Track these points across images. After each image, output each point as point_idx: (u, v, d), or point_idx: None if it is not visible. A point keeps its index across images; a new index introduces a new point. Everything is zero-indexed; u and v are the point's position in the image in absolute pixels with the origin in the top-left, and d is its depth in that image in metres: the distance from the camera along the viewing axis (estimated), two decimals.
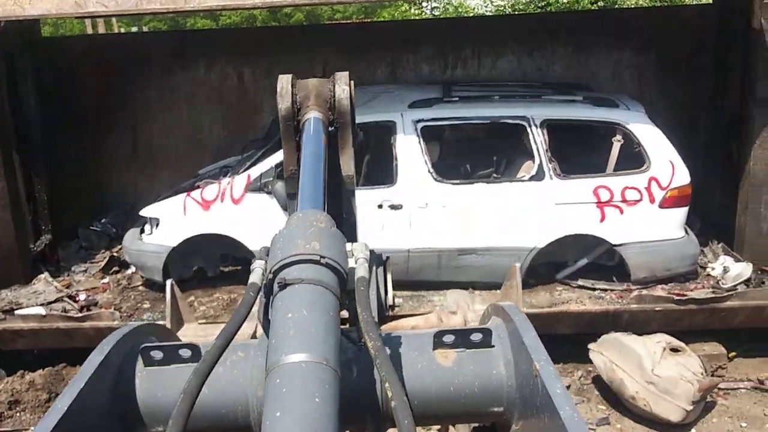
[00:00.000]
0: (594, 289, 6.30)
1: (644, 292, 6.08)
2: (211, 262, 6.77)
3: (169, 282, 2.39)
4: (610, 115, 6.20)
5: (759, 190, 6.39)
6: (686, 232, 6.26)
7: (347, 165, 1.88)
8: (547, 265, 6.48)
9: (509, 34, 7.92)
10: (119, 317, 6.06)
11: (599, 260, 6.41)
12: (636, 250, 6.12)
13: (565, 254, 6.42)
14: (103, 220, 7.75)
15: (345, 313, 1.28)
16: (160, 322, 2.21)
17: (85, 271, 7.08)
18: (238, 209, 6.20)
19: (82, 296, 6.50)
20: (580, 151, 6.37)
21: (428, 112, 6.28)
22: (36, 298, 6.37)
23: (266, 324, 1.17)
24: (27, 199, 7.08)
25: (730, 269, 6.33)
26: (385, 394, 1.13)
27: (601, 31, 7.83)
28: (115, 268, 7.18)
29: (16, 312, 6.12)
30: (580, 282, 6.35)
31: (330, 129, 1.86)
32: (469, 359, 1.32)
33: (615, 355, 5.63)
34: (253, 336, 2.08)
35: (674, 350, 5.56)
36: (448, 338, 1.32)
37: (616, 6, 14.40)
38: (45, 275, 6.73)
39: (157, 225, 6.42)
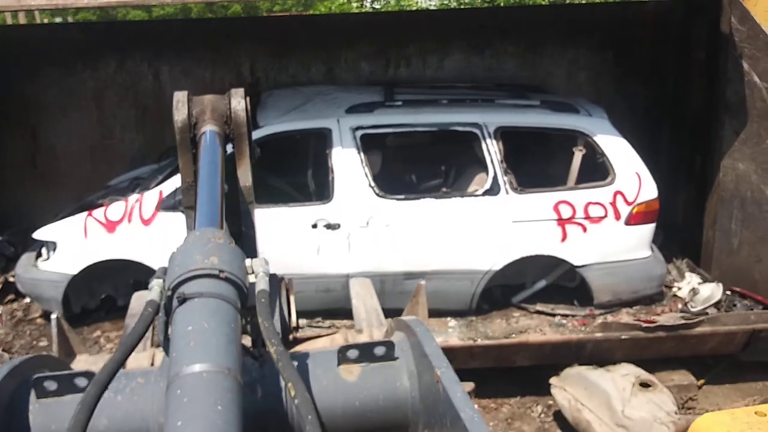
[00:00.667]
0: (554, 315, 5.73)
1: (609, 318, 5.60)
2: (122, 289, 5.90)
3: (53, 316, 2.37)
4: (570, 122, 5.62)
5: (729, 202, 5.95)
6: (652, 250, 5.75)
7: (245, 176, 1.91)
8: (503, 288, 5.88)
9: (456, 30, 7.29)
10: (8, 360, 5.17)
11: (559, 282, 5.85)
12: (600, 272, 5.58)
13: (522, 276, 5.84)
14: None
15: (247, 341, 1.29)
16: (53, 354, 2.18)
17: None
18: (148, 231, 5.37)
19: None
20: (539, 162, 5.81)
21: (368, 118, 5.57)
22: None
23: (165, 342, 1.18)
24: None
25: (699, 291, 5.86)
26: (292, 410, 1.17)
27: (555, 27, 7.29)
28: (11, 296, 6.24)
29: None
30: (539, 307, 5.79)
31: (227, 142, 1.88)
32: (373, 373, 1.35)
33: (580, 392, 5.10)
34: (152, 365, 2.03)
35: (644, 385, 5.08)
36: (352, 353, 1.35)
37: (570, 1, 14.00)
38: None
39: (55, 249, 5.55)
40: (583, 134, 5.51)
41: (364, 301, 2.61)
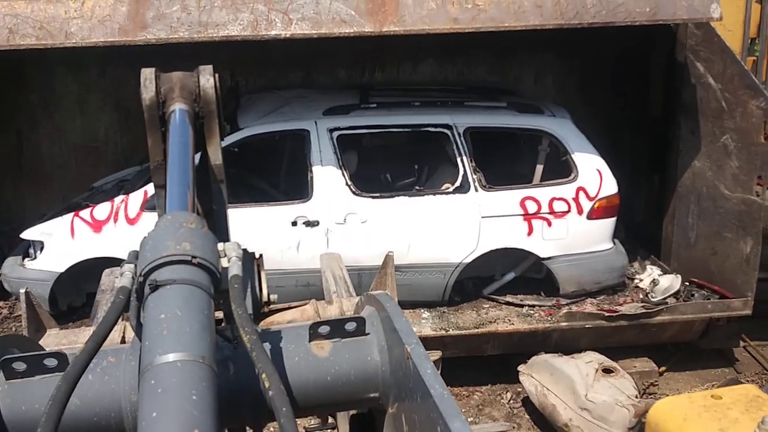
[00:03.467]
0: (522, 306, 6.00)
1: (574, 308, 5.87)
2: None
3: (22, 291, 2.33)
4: (535, 123, 5.92)
5: (686, 198, 6.25)
6: (614, 243, 6.05)
7: (215, 155, 1.88)
8: (474, 281, 6.15)
9: (429, 38, 7.54)
10: None
11: (527, 274, 6.13)
12: (564, 264, 5.86)
13: (492, 269, 6.10)
14: None
15: (220, 314, 1.34)
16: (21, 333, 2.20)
17: None
18: (134, 230, 5.57)
19: None
20: (506, 160, 6.10)
21: (344, 120, 5.83)
22: None
23: (138, 328, 1.15)
24: None
25: (659, 282, 6.16)
26: (263, 390, 1.09)
27: (523, 36, 7.55)
28: None
29: None
30: (509, 298, 6.05)
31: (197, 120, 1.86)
32: (344, 348, 1.36)
33: (546, 378, 5.37)
34: (122, 341, 1.98)
35: (607, 371, 5.34)
36: (324, 329, 1.36)
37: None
38: None
39: (42, 249, 5.72)
40: (547, 134, 5.82)
41: (333, 272, 2.71)
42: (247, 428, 1.50)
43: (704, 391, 4.62)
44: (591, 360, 5.43)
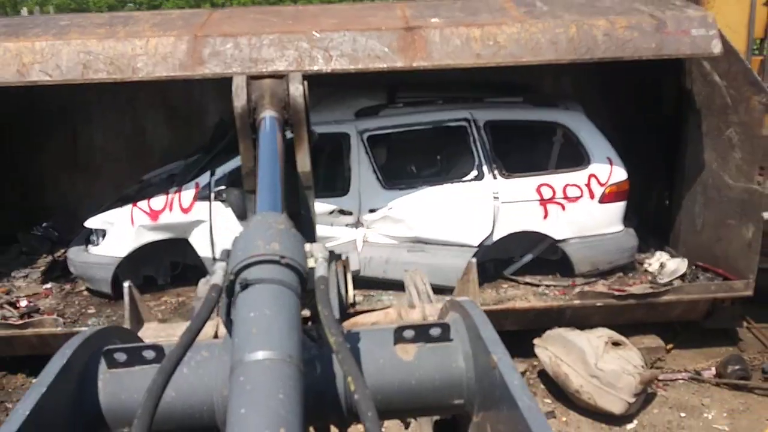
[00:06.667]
0: (539, 286, 6.45)
1: (586, 288, 6.26)
2: (162, 270, 6.70)
3: (126, 284, 2.53)
4: (549, 115, 6.40)
5: (693, 188, 6.65)
6: (624, 225, 6.48)
7: (303, 162, 1.92)
8: (495, 262, 6.61)
9: None
10: (63, 323, 5.93)
11: (543, 255, 6.58)
12: (578, 245, 6.31)
13: (511, 251, 6.56)
14: (44, 225, 7.56)
15: (306, 312, 1.31)
16: (125, 326, 2.28)
17: (26, 276, 6.89)
18: (187, 218, 6.18)
19: (23, 302, 6.32)
20: (523, 150, 6.52)
21: (375, 121, 6.37)
22: None
23: (229, 324, 1.18)
24: None
25: (666, 265, 6.57)
26: (348, 390, 1.14)
27: None
28: (57, 274, 7.01)
29: None
30: (527, 279, 6.50)
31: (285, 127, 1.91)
32: (429, 353, 1.34)
33: (559, 350, 5.79)
34: (215, 336, 2.08)
35: (616, 344, 5.74)
36: (408, 333, 1.34)
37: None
38: None
39: (104, 236, 6.31)
40: (561, 125, 6.30)
41: (417, 287, 2.78)
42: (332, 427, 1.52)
43: None
44: (602, 334, 5.83)
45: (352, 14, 6.32)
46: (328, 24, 5.82)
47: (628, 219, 6.54)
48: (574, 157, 6.30)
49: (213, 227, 6.17)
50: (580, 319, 6.16)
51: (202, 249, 6.23)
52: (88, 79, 5.52)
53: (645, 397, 5.74)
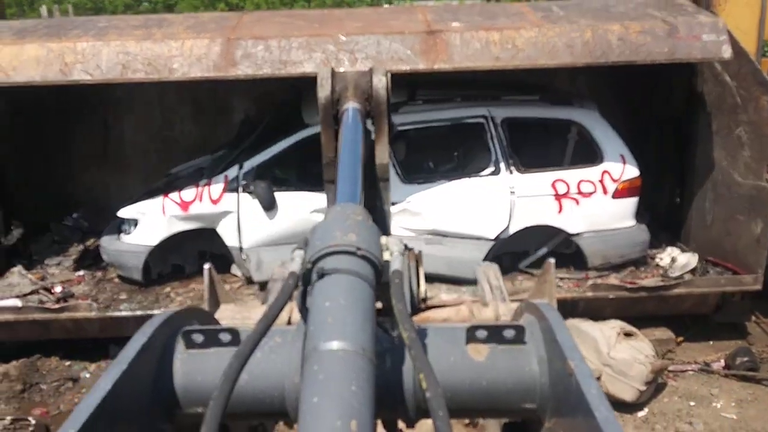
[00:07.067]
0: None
1: (599, 281, 6.44)
2: (190, 258, 6.96)
3: (206, 266, 2.51)
4: (565, 113, 6.60)
5: (704, 185, 6.83)
6: (636, 220, 6.67)
7: (382, 154, 1.94)
8: (510, 255, 6.83)
9: None
10: (96, 308, 6.18)
11: (558, 249, 6.78)
12: (591, 239, 6.51)
13: (526, 245, 6.77)
14: (74, 215, 7.83)
15: (378, 304, 1.28)
16: (203, 307, 2.31)
17: (59, 264, 7.17)
18: (216, 208, 6.44)
19: (57, 288, 6.58)
20: (539, 147, 6.72)
21: (395, 118, 6.56)
22: (10, 290, 6.45)
23: (304, 311, 1.18)
24: None
25: (677, 259, 6.75)
26: (418, 386, 1.14)
27: None
28: (89, 262, 7.28)
29: None
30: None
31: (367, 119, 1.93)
32: (501, 355, 1.30)
33: None
34: (289, 322, 2.10)
35: (628, 335, 5.91)
36: (481, 333, 1.30)
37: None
38: (18, 268, 6.79)
39: (136, 225, 6.57)
40: (575, 123, 6.51)
41: (490, 281, 2.75)
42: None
43: None
44: (614, 325, 6.00)
45: (376, 18, 6.55)
46: (353, 28, 6.06)
47: (640, 215, 6.73)
48: (588, 153, 6.50)
49: (240, 218, 6.42)
50: (593, 311, 6.34)
51: (230, 239, 6.48)
52: (127, 79, 5.78)
53: (656, 387, 5.92)
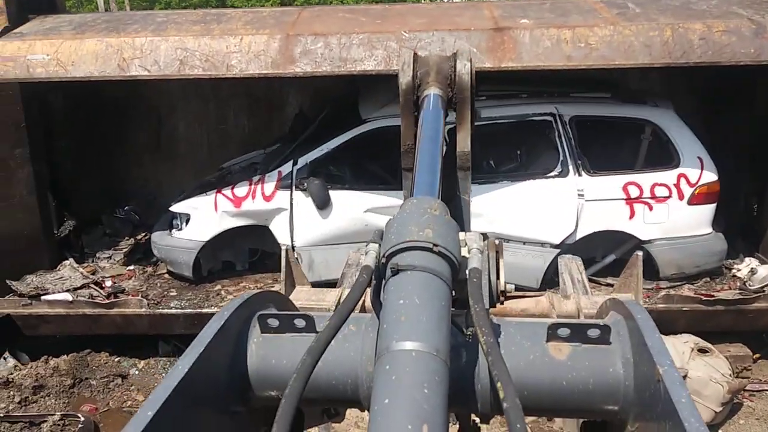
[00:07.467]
0: None
1: (672, 292, 6.09)
2: (241, 255, 6.81)
3: (283, 248, 2.56)
4: (638, 112, 6.24)
5: None
6: (713, 228, 6.27)
7: (464, 142, 1.86)
8: None
9: None
10: (147, 305, 6.09)
11: (627, 256, 6.39)
12: (664, 247, 6.14)
13: (593, 251, 6.42)
14: (126, 208, 7.81)
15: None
16: (280, 288, 2.41)
17: (110, 257, 7.12)
18: (269, 205, 6.26)
19: (108, 283, 6.53)
20: (609, 147, 6.38)
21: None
22: (62, 283, 6.40)
23: (377, 306, 1.18)
24: (51, 184, 7.13)
25: (757, 271, 6.32)
26: (494, 385, 1.09)
27: None
28: (139, 256, 7.21)
29: (43, 297, 6.14)
30: (609, 280, 6.34)
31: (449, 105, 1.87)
32: (584, 354, 1.25)
33: None
34: (363, 310, 2.07)
35: (702, 351, 5.57)
36: (563, 332, 1.26)
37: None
38: (70, 261, 6.75)
39: (188, 221, 6.45)
40: (650, 123, 6.13)
41: (572, 275, 2.66)
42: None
43: None
44: (687, 340, 5.66)
45: (440, 14, 6.30)
46: (417, 24, 5.83)
47: (716, 222, 6.31)
48: (663, 155, 6.13)
49: (293, 215, 6.23)
50: (664, 323, 5.90)
51: (282, 236, 6.30)
52: (184, 75, 5.68)
53: (731, 407, 5.55)
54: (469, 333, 1.24)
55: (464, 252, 1.25)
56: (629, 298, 2.22)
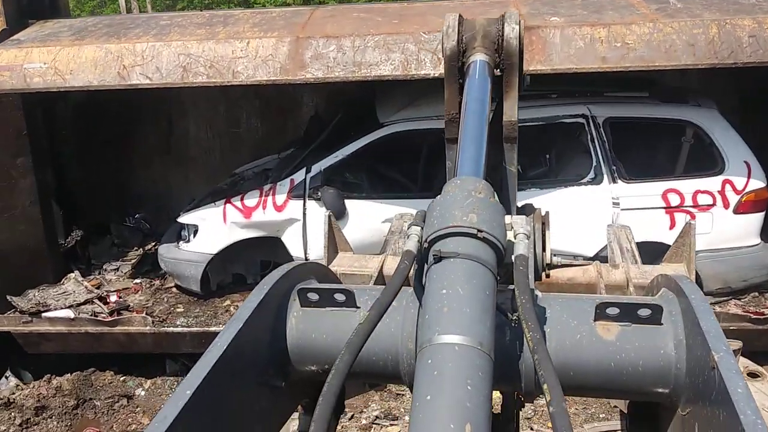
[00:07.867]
0: None
1: (717, 309, 5.65)
2: (252, 268, 6.48)
3: (326, 213, 2.40)
4: (679, 113, 5.78)
5: None
6: (761, 239, 5.79)
7: (511, 110, 1.76)
8: None
9: None
10: (151, 322, 5.79)
11: None
12: (709, 260, 5.66)
13: None
14: (136, 216, 7.52)
15: None
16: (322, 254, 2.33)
17: (117, 269, 6.84)
18: (281, 216, 5.92)
19: (113, 298, 6.23)
20: (647, 151, 5.95)
21: None
22: (65, 299, 6.11)
23: (420, 291, 1.16)
24: (57, 193, 6.88)
25: None
26: (534, 364, 1.03)
27: None
28: (147, 268, 6.92)
29: (44, 314, 5.87)
30: None
31: (496, 72, 1.76)
32: (634, 335, 1.21)
33: None
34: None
35: (752, 375, 5.10)
36: (612, 311, 1.21)
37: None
38: (75, 274, 6.48)
39: (195, 233, 6.13)
40: (692, 124, 5.65)
41: (620, 244, 2.54)
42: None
43: None
44: None
45: (463, 12, 5.82)
46: (437, 24, 5.36)
47: (765, 233, 5.83)
48: (707, 160, 5.67)
49: (306, 226, 5.87)
50: None
51: (295, 248, 5.96)
52: (187, 83, 5.38)
53: None
54: (514, 318, 1.16)
55: (510, 236, 1.22)
56: (681, 269, 2.04)
